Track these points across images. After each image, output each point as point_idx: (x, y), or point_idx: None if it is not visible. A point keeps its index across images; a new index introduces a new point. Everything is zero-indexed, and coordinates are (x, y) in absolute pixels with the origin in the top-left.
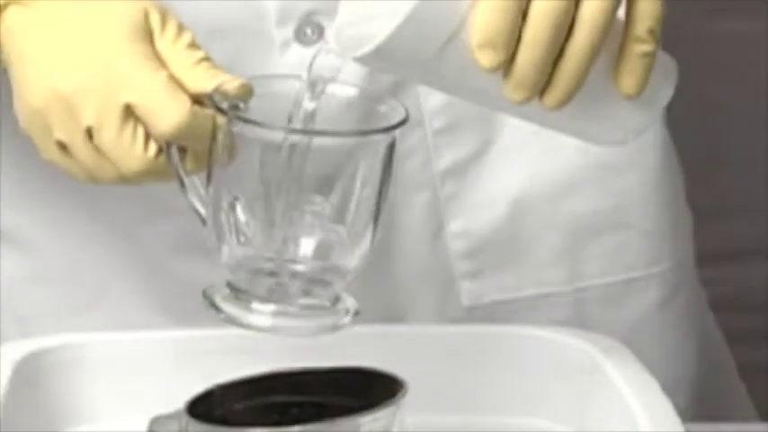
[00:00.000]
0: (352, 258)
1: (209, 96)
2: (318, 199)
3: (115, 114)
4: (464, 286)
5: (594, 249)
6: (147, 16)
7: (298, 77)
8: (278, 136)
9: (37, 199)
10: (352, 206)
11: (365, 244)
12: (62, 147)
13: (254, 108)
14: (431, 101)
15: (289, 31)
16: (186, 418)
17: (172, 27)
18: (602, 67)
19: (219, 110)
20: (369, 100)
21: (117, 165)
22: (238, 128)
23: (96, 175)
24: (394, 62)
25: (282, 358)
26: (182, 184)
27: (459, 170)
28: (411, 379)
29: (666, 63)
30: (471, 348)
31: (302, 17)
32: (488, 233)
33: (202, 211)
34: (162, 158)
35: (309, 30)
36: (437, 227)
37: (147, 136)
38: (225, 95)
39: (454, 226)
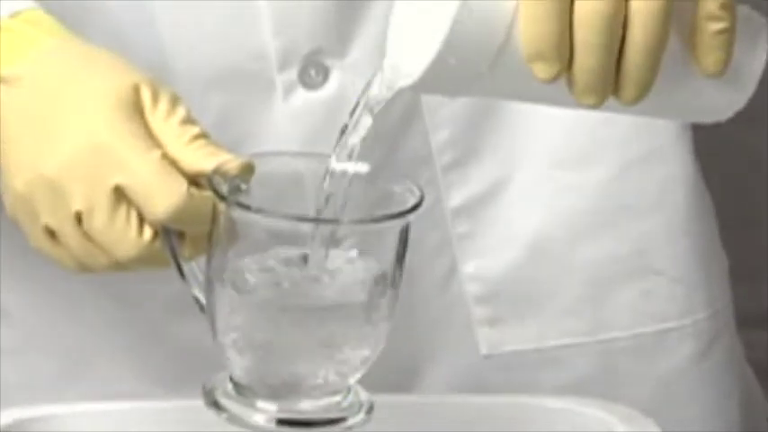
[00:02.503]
0: (368, 347)
1: (208, 179)
2: (329, 282)
3: (105, 198)
4: (482, 333)
5: (619, 298)
6: (137, 91)
7: (302, 154)
8: (285, 225)
9: (17, 263)
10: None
11: (382, 331)
12: (50, 233)
13: (258, 187)
14: (439, 135)
15: (292, 74)
16: None
17: (164, 101)
18: (678, 48)
19: (218, 195)
20: (382, 180)
21: (109, 251)
22: (238, 214)
23: (87, 262)
24: (444, 87)
25: None
26: (179, 270)
27: (472, 208)
28: None
29: (753, 25)
30: (485, 421)
31: (306, 58)
32: (505, 277)
33: (203, 299)
34: (158, 243)
35: (314, 71)
36: (450, 269)
37: (142, 220)
38: (225, 176)
39: (468, 268)
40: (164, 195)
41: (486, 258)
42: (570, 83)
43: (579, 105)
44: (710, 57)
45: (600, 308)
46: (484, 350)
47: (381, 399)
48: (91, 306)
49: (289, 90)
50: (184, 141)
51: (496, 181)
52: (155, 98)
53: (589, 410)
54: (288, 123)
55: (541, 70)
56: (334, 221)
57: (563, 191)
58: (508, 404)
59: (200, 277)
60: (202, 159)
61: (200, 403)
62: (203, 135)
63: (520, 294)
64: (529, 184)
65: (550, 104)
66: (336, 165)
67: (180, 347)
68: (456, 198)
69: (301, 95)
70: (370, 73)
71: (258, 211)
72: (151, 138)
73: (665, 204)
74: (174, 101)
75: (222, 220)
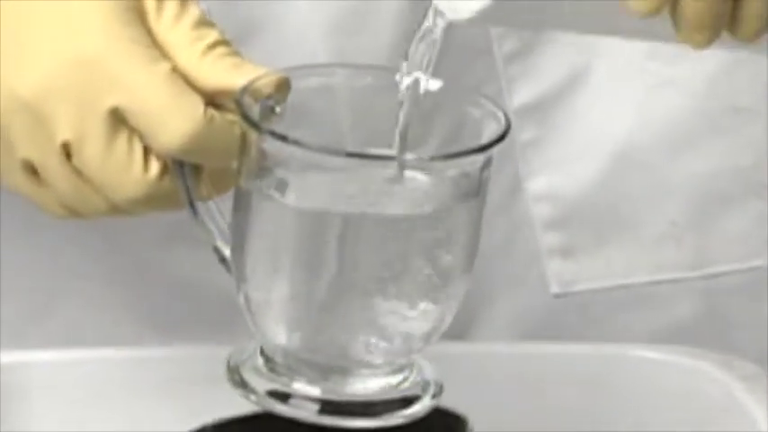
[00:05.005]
0: (433, 323)
1: (236, 100)
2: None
3: (99, 124)
4: (552, 267)
5: (728, 223)
6: None
7: (344, 66)
8: (338, 162)
9: None
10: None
11: (453, 303)
12: (31, 170)
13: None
14: None
15: None
16: None
17: (172, 2)
18: None
19: (250, 122)
20: (457, 99)
21: (106, 191)
22: (269, 145)
23: (78, 206)
24: (514, 17)
25: None
26: (195, 213)
27: (541, 109)
28: (476, 415)
29: None
30: (555, 376)
31: None
32: (583, 195)
33: (225, 251)
34: (167, 181)
35: None
36: (513, 185)
37: (147, 151)
38: (255, 95)
39: (536, 184)
40: (175, 119)
41: (558, 172)
42: (675, 16)
43: (683, 43)
44: None
45: (705, 235)
46: (555, 288)
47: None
48: (58, 235)
49: None
50: (199, 50)
51: (572, 73)
52: None
53: (696, 363)
54: (308, 4)
55: (639, 3)
56: (397, 159)
57: (659, 87)
58: (588, 354)
59: (222, 222)
60: (224, 73)
61: (195, 351)
62: (223, 42)
63: (602, 217)
64: (615, 76)
65: (643, 40)
66: (407, 76)
67: (171, 283)
68: (521, 95)
69: None
70: None
71: (301, 144)
72: (156, 47)
73: None
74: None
75: (254, 151)
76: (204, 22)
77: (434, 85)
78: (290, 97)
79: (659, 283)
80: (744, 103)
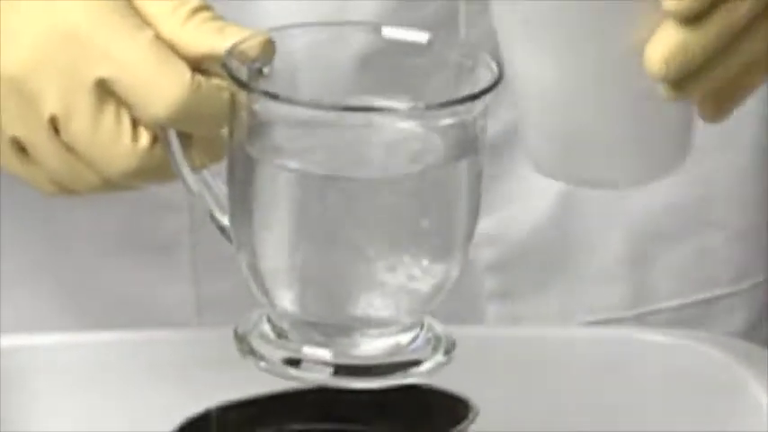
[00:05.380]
0: (441, 278)
1: (223, 64)
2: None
3: (86, 96)
4: (490, 310)
5: (670, 260)
6: None
7: (329, 25)
8: (332, 117)
9: None
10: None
11: (455, 260)
12: (20, 148)
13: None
14: None
15: None
16: None
17: None
18: None
19: (240, 83)
20: (444, 49)
21: (97, 165)
22: (261, 105)
23: (69, 181)
24: None
25: None
26: (188, 184)
27: (490, 149)
28: (480, 398)
29: None
30: (560, 359)
31: None
32: (527, 237)
33: (222, 220)
34: (158, 150)
35: None
36: None
37: (135, 122)
38: (242, 58)
39: (481, 226)
40: (162, 88)
41: (506, 213)
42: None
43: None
44: None
45: (645, 274)
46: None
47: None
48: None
49: None
50: (182, 16)
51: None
52: None
53: (701, 346)
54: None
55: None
56: (392, 111)
57: None
58: (592, 338)
59: (218, 190)
60: (209, 38)
61: (198, 334)
62: (205, 7)
63: (543, 260)
64: None
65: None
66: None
67: (118, 295)
68: None
69: None
70: None
71: (293, 101)
72: (138, 15)
73: (733, 142)
74: None
75: (245, 114)
76: None
77: (422, 37)
78: (278, 59)
79: (591, 324)
80: (698, 136)
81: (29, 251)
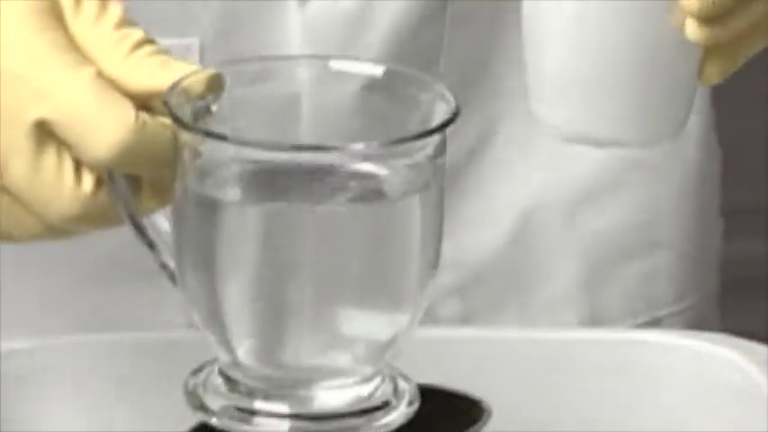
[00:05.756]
0: (400, 326)
1: (164, 101)
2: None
3: (24, 139)
4: None
5: (621, 280)
6: None
7: (286, 59)
8: (282, 157)
9: None
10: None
11: (414, 307)
12: None
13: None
14: None
15: None
16: None
17: (90, 1)
18: None
19: (180, 122)
20: (399, 83)
21: (38, 211)
22: (207, 146)
23: (10, 229)
24: None
25: None
26: (136, 227)
27: (449, 173)
28: (494, 401)
29: None
30: (573, 361)
31: None
32: (487, 261)
33: (171, 263)
34: (103, 194)
35: None
36: None
37: (78, 165)
38: (186, 94)
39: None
40: (104, 128)
41: (465, 238)
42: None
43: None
44: None
45: (598, 293)
46: None
47: (437, 332)
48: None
49: None
50: (124, 51)
51: (481, 136)
52: None
53: (715, 348)
54: (300, 36)
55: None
56: (345, 149)
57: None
58: (605, 340)
59: (169, 236)
60: (153, 73)
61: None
62: (148, 41)
63: (501, 284)
64: (521, 140)
65: None
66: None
67: (118, 297)
68: None
69: (318, 3)
70: None
71: (241, 141)
72: (78, 50)
73: (680, 160)
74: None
75: (187, 154)
76: (126, 22)
77: (378, 70)
78: (231, 94)
79: None
80: (646, 158)
81: (29, 255)
